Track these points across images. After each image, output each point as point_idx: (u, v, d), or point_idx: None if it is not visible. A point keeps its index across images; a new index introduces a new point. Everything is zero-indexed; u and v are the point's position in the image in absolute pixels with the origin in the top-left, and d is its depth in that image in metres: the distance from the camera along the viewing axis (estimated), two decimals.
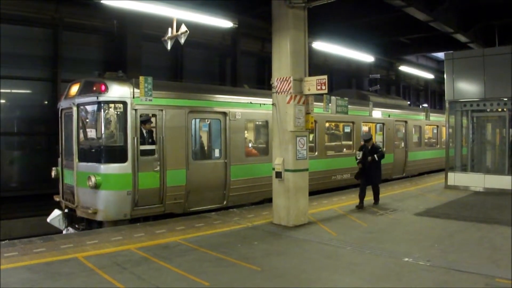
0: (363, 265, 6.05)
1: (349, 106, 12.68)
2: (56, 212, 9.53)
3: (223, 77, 16.01)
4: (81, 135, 9.03)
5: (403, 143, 16.98)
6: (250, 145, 11.19)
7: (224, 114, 9.99)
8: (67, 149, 9.39)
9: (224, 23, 9.48)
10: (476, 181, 13.29)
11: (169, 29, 8.94)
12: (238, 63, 15.71)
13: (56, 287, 5.20)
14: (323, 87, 8.18)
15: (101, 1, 7.76)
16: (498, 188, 12.59)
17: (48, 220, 9.52)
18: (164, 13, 8.57)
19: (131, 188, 8.37)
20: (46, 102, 12.06)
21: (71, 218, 9.33)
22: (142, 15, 10.74)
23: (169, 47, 9.06)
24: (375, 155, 10.36)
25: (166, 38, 9.03)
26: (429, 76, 23.56)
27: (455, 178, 13.66)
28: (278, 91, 8.58)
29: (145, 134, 8.89)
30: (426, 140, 19.12)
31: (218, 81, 15.58)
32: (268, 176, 9.46)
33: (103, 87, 8.38)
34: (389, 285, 5.33)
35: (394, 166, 16.09)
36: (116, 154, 8.43)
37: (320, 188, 12.28)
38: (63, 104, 9.50)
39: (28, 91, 11.97)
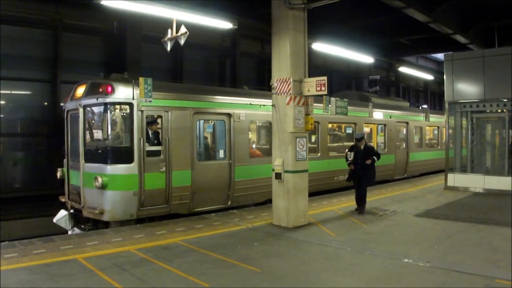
0: (363, 266, 6.05)
1: (351, 107, 12.79)
2: (62, 213, 9.58)
3: (223, 78, 16.01)
4: (87, 136, 9.10)
5: (404, 144, 17.05)
6: (253, 146, 11.25)
7: (229, 115, 10.09)
8: (73, 150, 9.46)
9: (224, 24, 9.49)
10: (475, 182, 13.30)
11: (169, 31, 8.95)
12: (237, 64, 15.70)
13: None
14: (323, 88, 8.19)
15: (101, 2, 7.75)
16: (498, 189, 12.60)
17: (55, 220, 9.56)
18: (164, 15, 8.57)
19: (137, 188, 8.46)
20: (46, 103, 12.05)
21: (77, 218, 9.38)
22: (142, 16, 10.75)
23: (168, 48, 9.07)
24: (374, 157, 9.80)
25: (166, 39, 9.04)
26: (429, 77, 23.55)
27: (455, 179, 13.67)
28: (278, 92, 8.59)
29: (151, 135, 8.96)
30: (427, 141, 19.20)
31: (217, 82, 15.57)
32: (271, 177, 9.49)
33: (109, 89, 8.46)
34: (389, 286, 5.34)
35: (396, 167, 16.15)
36: (123, 155, 8.52)
37: (323, 189, 12.33)
38: (68, 105, 9.55)
39: (27, 92, 11.96)
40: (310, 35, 9.20)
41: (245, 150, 10.41)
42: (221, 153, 10.16)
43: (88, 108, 8.97)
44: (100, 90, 8.61)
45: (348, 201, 11.04)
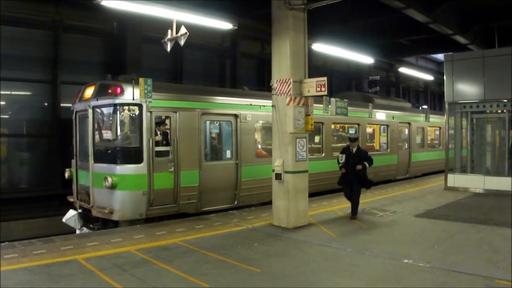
0: (363, 267, 6.05)
1: (355, 108, 12.83)
2: (72, 213, 9.67)
3: (223, 79, 16.01)
4: (97, 137, 9.18)
5: (406, 145, 17.16)
6: (259, 146, 11.34)
7: (235, 116, 10.21)
8: (82, 151, 9.55)
9: (224, 25, 9.50)
10: (475, 182, 13.30)
11: (169, 31, 8.96)
12: (237, 65, 15.70)
13: None
14: (323, 89, 8.20)
15: (101, 3, 7.76)
16: (497, 190, 12.60)
17: (64, 220, 9.66)
18: (164, 15, 8.58)
19: (146, 188, 8.56)
20: (46, 104, 12.04)
21: (86, 218, 9.46)
22: (142, 17, 10.74)
23: (168, 49, 9.09)
24: (365, 163, 9.16)
25: (166, 40, 9.05)
26: (429, 77, 23.57)
27: (455, 179, 13.67)
28: (278, 93, 8.59)
29: (159, 136, 9.04)
30: (428, 142, 19.29)
31: (217, 83, 15.58)
32: None
33: (118, 90, 8.56)
34: (388, 287, 5.34)
35: (398, 167, 16.27)
36: (132, 155, 8.62)
37: (327, 189, 12.40)
38: (77, 106, 9.65)
39: (27, 93, 11.96)
40: (310, 35, 9.21)
41: (251, 151, 10.55)
42: (228, 154, 10.29)
43: (98, 109, 9.08)
44: (109, 91, 8.74)
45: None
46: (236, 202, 10.22)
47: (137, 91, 8.48)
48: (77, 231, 9.43)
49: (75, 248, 6.84)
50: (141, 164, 8.53)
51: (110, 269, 5.87)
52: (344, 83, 22.21)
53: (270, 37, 8.90)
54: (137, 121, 8.69)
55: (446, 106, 14.14)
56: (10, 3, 10.84)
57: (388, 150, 15.76)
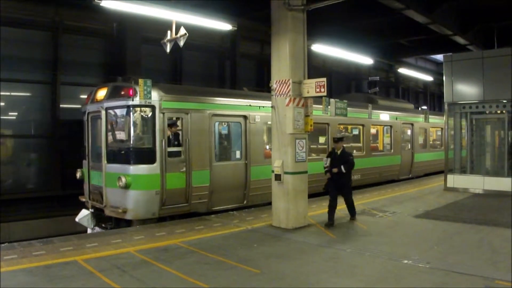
0: (363, 268, 6.05)
1: (359, 109, 12.81)
2: (84, 212, 9.76)
3: (223, 79, 16.01)
4: (110, 138, 9.28)
5: (409, 145, 17.28)
6: (267, 147, 11.37)
7: (245, 117, 10.36)
8: (94, 151, 9.65)
9: (223, 25, 9.50)
10: (475, 183, 13.31)
11: (168, 32, 8.98)
12: (237, 65, 15.70)
13: None
14: (322, 90, 8.21)
15: (101, 4, 7.76)
16: (497, 190, 12.60)
17: (77, 219, 9.75)
18: (163, 16, 8.59)
19: (159, 188, 8.69)
20: (45, 105, 12.02)
21: (98, 217, 9.54)
22: (142, 17, 10.74)
23: (168, 49, 9.11)
24: (342, 167, 8.63)
25: (165, 40, 9.07)
26: (428, 78, 23.58)
27: (455, 180, 13.68)
28: (277, 93, 8.60)
29: (171, 137, 9.15)
30: (431, 142, 19.42)
31: (217, 83, 15.59)
32: None
33: (131, 92, 8.65)
34: (388, 287, 5.34)
35: (401, 168, 16.42)
36: (145, 155, 8.75)
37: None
38: (89, 107, 9.74)
39: (27, 94, 11.95)
40: (309, 36, 9.21)
41: (260, 151, 10.70)
42: (238, 154, 10.43)
43: (111, 111, 9.17)
44: (122, 93, 8.87)
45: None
46: (245, 202, 10.38)
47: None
48: (89, 230, 9.52)
49: (74, 249, 6.84)
50: (154, 164, 8.67)
51: (109, 270, 5.87)
52: (344, 84, 22.22)
53: (270, 38, 8.91)
54: (150, 122, 8.82)
55: (446, 106, 14.15)
56: (10, 4, 10.83)
57: (392, 150, 15.91)
